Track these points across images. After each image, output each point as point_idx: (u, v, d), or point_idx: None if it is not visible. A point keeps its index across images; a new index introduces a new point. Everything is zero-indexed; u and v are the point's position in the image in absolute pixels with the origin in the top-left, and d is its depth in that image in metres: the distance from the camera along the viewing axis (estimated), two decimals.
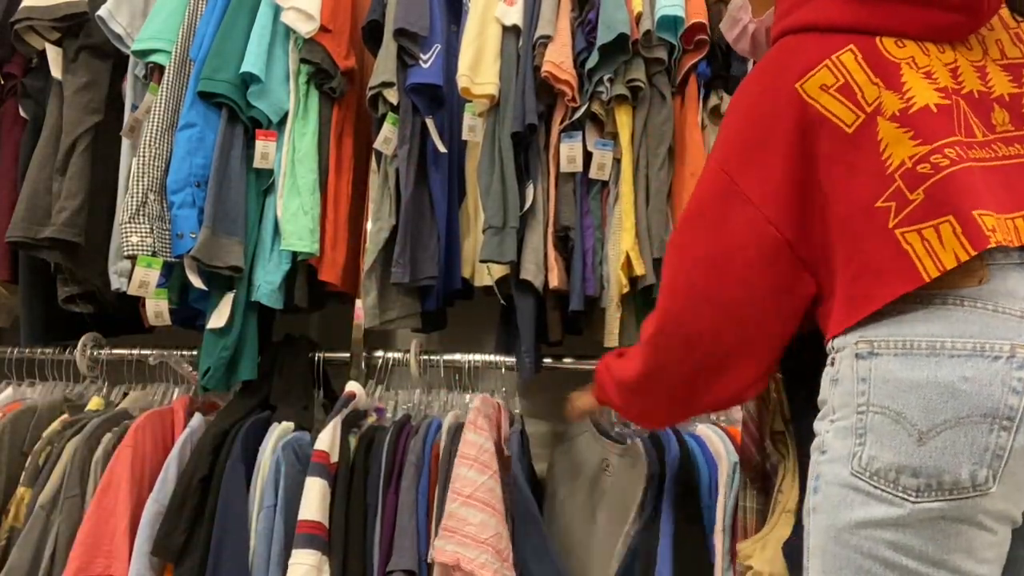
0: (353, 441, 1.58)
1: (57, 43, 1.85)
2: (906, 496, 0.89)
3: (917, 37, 1.00)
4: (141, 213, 1.64)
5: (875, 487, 0.90)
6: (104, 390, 1.91)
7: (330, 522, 1.48)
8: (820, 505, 0.96)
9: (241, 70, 1.69)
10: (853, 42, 1.00)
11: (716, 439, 1.55)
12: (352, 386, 1.66)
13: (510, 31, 1.75)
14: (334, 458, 1.52)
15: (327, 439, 1.52)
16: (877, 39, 1.00)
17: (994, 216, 0.90)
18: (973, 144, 0.95)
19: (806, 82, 1.00)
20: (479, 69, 1.70)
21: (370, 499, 1.51)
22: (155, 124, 1.70)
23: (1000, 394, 0.86)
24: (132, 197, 1.64)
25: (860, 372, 0.93)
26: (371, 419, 1.70)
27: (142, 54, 1.76)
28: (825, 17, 1.02)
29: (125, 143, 1.80)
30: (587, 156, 1.70)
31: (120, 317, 1.87)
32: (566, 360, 1.81)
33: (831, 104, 0.99)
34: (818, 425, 0.99)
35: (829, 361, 0.99)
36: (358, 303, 1.81)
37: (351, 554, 1.46)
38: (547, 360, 1.78)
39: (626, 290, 1.65)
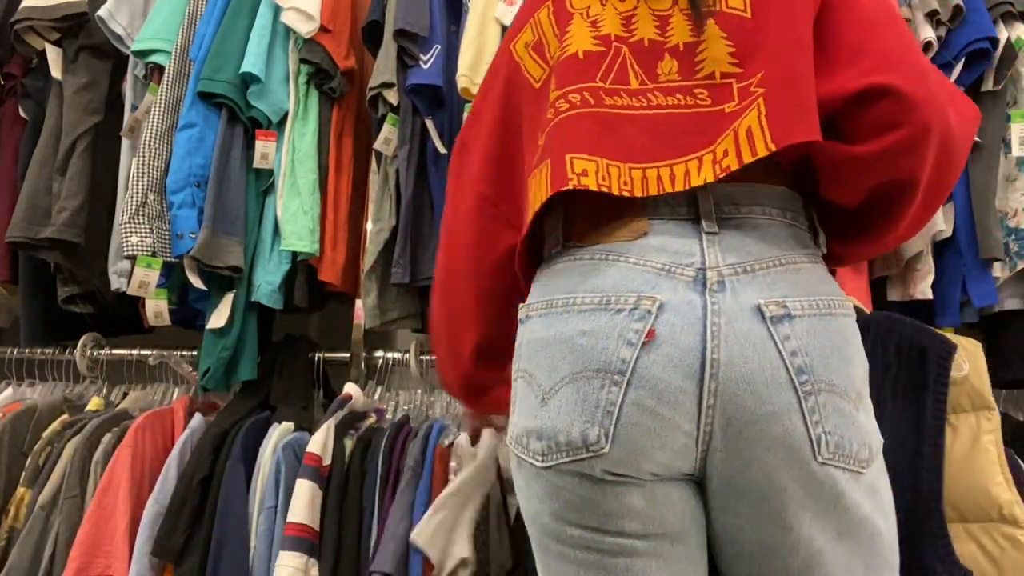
0: (349, 444, 1.57)
1: (57, 43, 1.85)
2: (534, 460, 0.84)
3: None
4: (141, 213, 1.64)
5: (518, 455, 0.86)
6: (104, 390, 1.91)
7: (322, 525, 1.47)
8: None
9: (241, 70, 1.69)
10: None
11: None
12: (349, 387, 1.65)
13: None
14: (326, 460, 1.51)
15: (319, 441, 1.51)
16: None
17: (596, 161, 0.87)
18: (619, 91, 0.92)
19: (517, 42, 1.02)
20: (479, 69, 1.70)
21: (366, 502, 1.50)
22: (155, 124, 1.70)
23: (614, 347, 0.81)
24: (132, 197, 1.64)
25: (518, 338, 0.90)
26: (370, 420, 1.69)
27: (142, 54, 1.76)
28: None
29: (125, 143, 1.80)
30: None
31: (120, 317, 1.87)
32: None
33: (528, 63, 1.00)
34: None
35: None
36: (358, 303, 1.81)
37: (343, 558, 1.45)
38: None
39: None
